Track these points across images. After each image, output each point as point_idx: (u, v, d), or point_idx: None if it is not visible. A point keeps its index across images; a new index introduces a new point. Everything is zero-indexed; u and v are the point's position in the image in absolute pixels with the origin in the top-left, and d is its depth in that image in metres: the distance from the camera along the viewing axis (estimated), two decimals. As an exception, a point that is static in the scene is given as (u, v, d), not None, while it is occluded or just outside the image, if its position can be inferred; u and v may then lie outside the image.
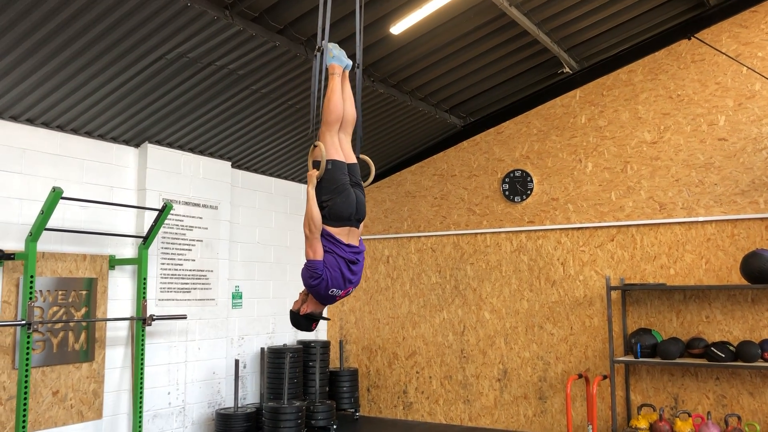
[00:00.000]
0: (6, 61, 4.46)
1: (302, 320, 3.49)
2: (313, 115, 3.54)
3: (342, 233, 3.36)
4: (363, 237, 3.47)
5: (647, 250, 6.49)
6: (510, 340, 7.16)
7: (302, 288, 3.46)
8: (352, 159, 3.52)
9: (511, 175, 7.31)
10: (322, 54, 3.59)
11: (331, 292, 3.37)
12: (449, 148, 7.81)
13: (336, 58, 3.59)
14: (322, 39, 3.58)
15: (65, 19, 4.23)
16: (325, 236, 3.30)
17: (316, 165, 3.39)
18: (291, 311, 3.52)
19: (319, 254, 3.29)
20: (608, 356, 6.43)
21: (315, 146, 3.43)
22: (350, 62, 3.64)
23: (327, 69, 3.58)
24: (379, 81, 6.24)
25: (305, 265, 3.31)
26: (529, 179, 7.19)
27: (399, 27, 5.26)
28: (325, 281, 3.29)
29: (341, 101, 3.52)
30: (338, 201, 3.31)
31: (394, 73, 6.22)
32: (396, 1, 5.06)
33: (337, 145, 3.47)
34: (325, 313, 3.68)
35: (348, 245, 3.36)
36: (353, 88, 3.67)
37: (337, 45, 3.64)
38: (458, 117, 7.54)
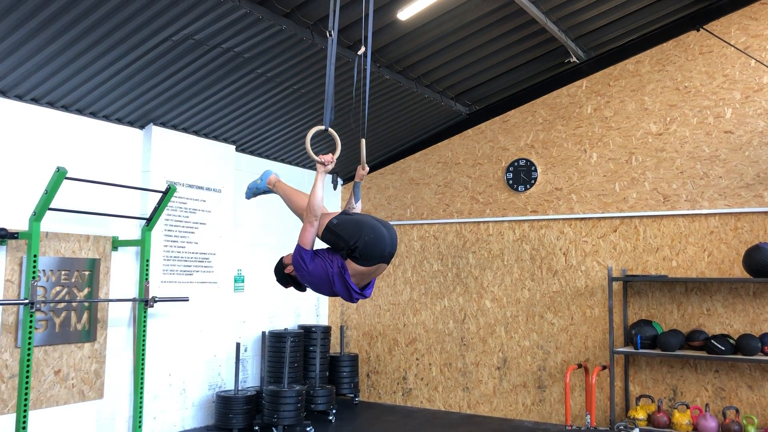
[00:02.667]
0: (11, 40, 4.45)
1: (282, 276, 3.52)
2: (327, 97, 3.51)
3: (367, 273, 3.26)
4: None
5: (650, 241, 6.49)
6: (510, 328, 7.18)
7: None
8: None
9: (516, 164, 7.30)
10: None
11: (306, 285, 3.40)
12: (454, 136, 7.79)
13: (264, 176, 3.79)
14: (333, 24, 3.60)
15: (71, -2, 4.21)
16: (342, 273, 3.23)
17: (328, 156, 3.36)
18: (280, 260, 3.53)
19: (309, 242, 3.26)
20: (608, 347, 6.45)
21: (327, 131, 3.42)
22: (270, 170, 3.86)
23: (268, 187, 3.82)
24: (385, 67, 6.21)
25: (297, 247, 3.29)
26: (533, 168, 7.17)
27: (406, 13, 5.23)
28: (306, 276, 3.30)
29: (302, 194, 3.61)
30: (368, 240, 3.18)
31: (400, 60, 6.19)
32: (404, -14, 5.03)
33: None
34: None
35: (355, 291, 3.29)
36: (359, 71, 3.82)
37: (250, 183, 3.92)
38: (464, 105, 7.51)
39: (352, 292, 3.27)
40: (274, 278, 3.60)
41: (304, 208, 3.37)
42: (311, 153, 3.30)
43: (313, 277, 3.28)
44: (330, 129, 3.46)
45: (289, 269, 3.45)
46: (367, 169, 3.69)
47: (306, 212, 3.25)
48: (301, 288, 3.54)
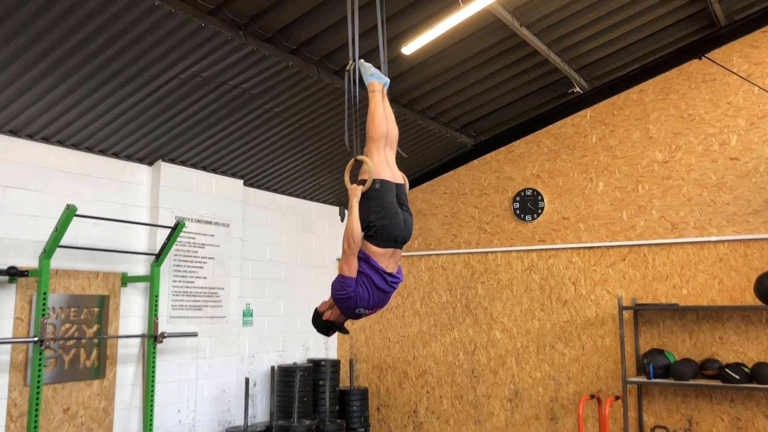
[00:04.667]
0: (23, 80, 4.53)
1: (321, 324, 3.50)
2: (347, 128, 3.55)
3: (386, 255, 3.33)
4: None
5: (659, 269, 6.45)
6: (521, 359, 7.12)
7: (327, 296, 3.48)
8: (399, 179, 3.49)
9: (522, 193, 7.31)
10: (352, 71, 3.66)
11: (358, 311, 3.36)
12: (460, 167, 7.83)
13: (375, 75, 3.62)
14: (353, 55, 3.64)
15: (81, 39, 4.30)
16: (368, 262, 3.29)
17: (361, 181, 3.38)
18: (316, 310, 3.52)
19: (353, 271, 3.28)
20: (620, 377, 6.37)
21: (357, 160, 3.42)
22: (388, 80, 3.67)
23: (367, 86, 3.63)
24: (391, 100, 6.25)
25: (338, 277, 3.31)
26: (540, 198, 7.18)
27: (410, 47, 5.30)
28: (353, 299, 3.29)
29: (386, 117, 3.52)
30: (387, 224, 3.29)
31: (406, 93, 6.26)
32: (407, 21, 5.11)
33: (385, 163, 3.44)
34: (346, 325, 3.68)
35: (389, 274, 3.35)
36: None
37: (371, 65, 3.68)
38: (469, 136, 7.56)
39: (384, 275, 3.30)
40: (314, 329, 3.59)
41: (372, 134, 3.39)
42: (348, 183, 3.39)
43: (360, 299, 3.29)
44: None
45: (327, 315, 3.44)
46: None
47: (347, 243, 3.28)
48: (343, 330, 3.52)
